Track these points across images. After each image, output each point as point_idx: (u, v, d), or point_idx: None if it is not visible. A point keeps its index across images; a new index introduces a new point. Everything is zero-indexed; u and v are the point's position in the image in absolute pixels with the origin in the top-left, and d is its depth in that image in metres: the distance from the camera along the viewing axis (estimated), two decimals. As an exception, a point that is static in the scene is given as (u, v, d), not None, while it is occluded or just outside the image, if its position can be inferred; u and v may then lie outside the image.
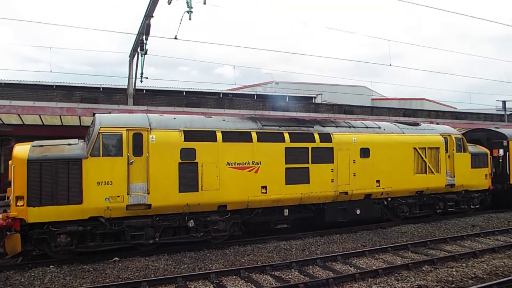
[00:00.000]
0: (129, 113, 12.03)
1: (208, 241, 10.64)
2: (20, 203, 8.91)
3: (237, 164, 10.57)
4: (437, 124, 17.08)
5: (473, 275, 8.30)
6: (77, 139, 10.18)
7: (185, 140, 10.09)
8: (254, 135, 10.88)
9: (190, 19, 12.57)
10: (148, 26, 15.44)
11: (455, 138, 14.15)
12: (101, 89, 25.94)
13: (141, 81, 18.66)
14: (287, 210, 11.45)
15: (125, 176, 9.50)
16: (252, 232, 11.60)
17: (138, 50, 17.00)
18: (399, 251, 10.39)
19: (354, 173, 12.02)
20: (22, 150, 9.23)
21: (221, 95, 29.80)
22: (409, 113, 31.73)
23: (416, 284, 7.71)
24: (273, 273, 8.67)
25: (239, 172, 10.57)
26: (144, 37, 15.99)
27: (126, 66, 19.03)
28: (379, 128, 13.13)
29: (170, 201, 9.87)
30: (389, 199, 12.91)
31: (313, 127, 11.95)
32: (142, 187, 9.72)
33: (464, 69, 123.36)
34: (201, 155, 10.20)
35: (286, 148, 11.16)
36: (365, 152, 12.28)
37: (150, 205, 9.66)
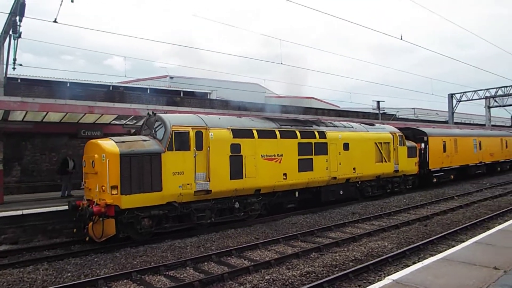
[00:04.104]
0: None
1: (244, 219, 14.55)
2: (114, 191, 11.47)
3: (268, 156, 14.75)
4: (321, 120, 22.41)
5: (353, 258, 9.91)
6: (143, 136, 13.17)
7: (233, 137, 13.83)
8: (277, 133, 15.19)
9: (72, 1, 13.09)
10: (22, 5, 14.92)
11: (398, 135, 20.79)
12: (-37, 76, 24.78)
13: (14, 68, 17.40)
14: (298, 192, 16.18)
15: (192, 167, 12.85)
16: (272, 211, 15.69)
17: (10, 32, 15.96)
18: (289, 241, 12.00)
19: (340, 162, 17.31)
20: (111, 145, 11.77)
21: (111, 88, 30.45)
22: (299, 111, 38.42)
23: (305, 271, 8.88)
24: (167, 273, 9.23)
25: (269, 163, 14.76)
26: (17, 18, 15.15)
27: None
28: (352, 127, 18.84)
29: (224, 187, 13.51)
30: (360, 182, 18.64)
31: (312, 126, 16.91)
32: (203, 175, 13.24)
33: (346, 71, 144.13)
34: (244, 149, 14.06)
35: (298, 143, 15.76)
36: (346, 146, 17.69)
37: (211, 190, 13.13)
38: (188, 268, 9.64)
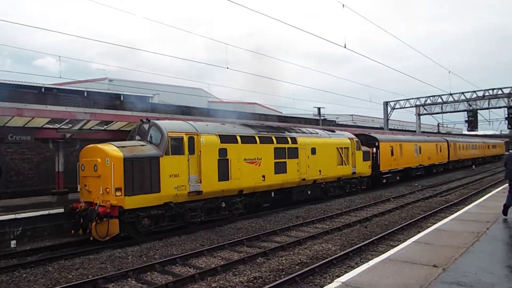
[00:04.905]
0: None
1: (229, 218, 15.96)
2: (118, 193, 12.45)
3: (249, 160, 16.33)
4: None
5: (299, 261, 10.07)
6: (139, 141, 14.10)
7: (221, 142, 15.25)
8: (257, 138, 16.84)
9: None
10: None
11: (355, 140, 23.24)
12: None
13: None
14: (273, 193, 17.89)
15: (186, 169, 14.11)
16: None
17: None
18: (235, 247, 12.01)
19: (308, 165, 19.28)
20: (114, 150, 12.76)
21: (43, 90, 29.41)
22: (242, 116, 39.82)
23: (252, 276, 8.92)
24: (106, 286, 8.85)
25: (250, 166, 16.35)
26: None
27: None
28: (317, 133, 20.95)
29: (213, 188, 14.87)
30: (324, 183, 20.76)
31: (285, 132, 18.73)
32: (195, 178, 14.50)
33: (287, 77, 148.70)
34: (230, 153, 15.52)
35: (274, 148, 17.51)
36: (313, 151, 19.71)
37: (202, 191, 14.46)
38: (129, 279, 9.36)
